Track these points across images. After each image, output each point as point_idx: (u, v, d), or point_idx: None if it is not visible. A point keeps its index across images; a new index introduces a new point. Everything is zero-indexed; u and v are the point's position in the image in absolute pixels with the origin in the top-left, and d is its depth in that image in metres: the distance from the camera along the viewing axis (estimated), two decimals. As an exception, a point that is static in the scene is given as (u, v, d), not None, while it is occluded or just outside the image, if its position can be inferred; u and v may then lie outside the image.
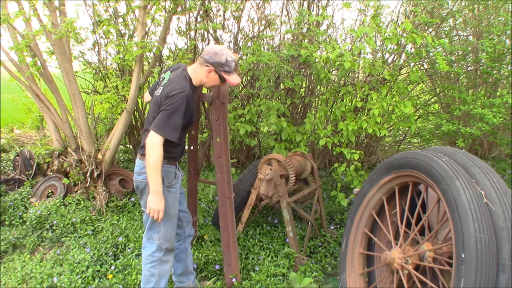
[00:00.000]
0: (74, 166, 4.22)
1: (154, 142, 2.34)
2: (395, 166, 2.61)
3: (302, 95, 4.79)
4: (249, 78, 4.83)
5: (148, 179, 2.39)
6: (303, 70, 4.47)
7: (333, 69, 4.21)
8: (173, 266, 2.92)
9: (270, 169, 3.43)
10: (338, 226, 4.15)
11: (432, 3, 4.50)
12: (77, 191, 4.20)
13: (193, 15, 4.72)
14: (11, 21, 3.76)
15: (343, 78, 4.52)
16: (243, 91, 4.91)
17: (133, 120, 5.06)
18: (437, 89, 5.30)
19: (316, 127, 4.16)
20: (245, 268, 3.23)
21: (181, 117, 2.39)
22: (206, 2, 4.52)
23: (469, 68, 5.00)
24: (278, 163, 3.51)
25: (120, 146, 5.26)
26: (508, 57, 4.29)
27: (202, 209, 4.12)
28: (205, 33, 4.88)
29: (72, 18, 3.78)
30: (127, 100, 4.09)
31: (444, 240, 2.39)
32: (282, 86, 4.43)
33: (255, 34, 5.00)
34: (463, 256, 1.95)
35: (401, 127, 4.36)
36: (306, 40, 4.18)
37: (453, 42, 4.99)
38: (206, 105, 3.15)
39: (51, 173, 4.37)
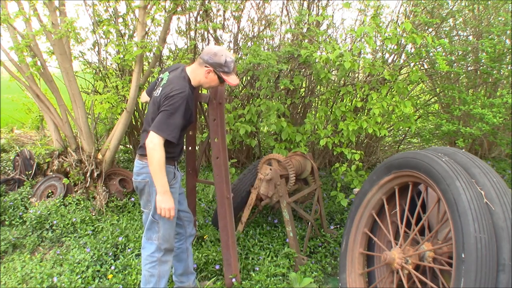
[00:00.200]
0: (74, 166, 4.22)
1: (154, 143, 2.34)
2: (395, 166, 2.61)
3: (302, 95, 4.79)
4: (249, 78, 4.83)
5: (154, 180, 2.40)
6: (303, 70, 4.47)
7: (333, 69, 4.21)
8: (174, 266, 2.93)
9: (270, 169, 3.43)
10: (338, 226, 4.15)
11: (432, 3, 4.50)
12: (77, 191, 4.20)
13: (193, 15, 4.72)
14: (11, 21, 3.76)
15: (343, 78, 4.51)
16: (243, 91, 4.91)
17: (133, 120, 5.06)
18: (437, 89, 5.30)
19: (316, 127, 4.16)
20: (245, 268, 3.23)
21: (181, 118, 2.39)
22: (206, 2, 4.52)
23: (469, 68, 5.00)
24: (278, 163, 3.51)
25: (120, 146, 5.26)
26: (508, 57, 4.29)
27: (202, 209, 4.12)
28: (205, 33, 4.88)
29: (72, 18, 3.78)
30: (127, 100, 4.09)
31: (444, 240, 2.39)
32: (282, 86, 4.43)
33: (255, 34, 5.00)
34: (463, 256, 1.95)
35: (401, 127, 4.36)
36: (306, 40, 4.18)
37: (453, 42, 4.99)
38: (205, 106, 3.15)
39: (51, 173, 4.37)
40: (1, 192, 4.27)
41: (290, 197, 3.48)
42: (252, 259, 3.36)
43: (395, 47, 4.31)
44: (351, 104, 4.15)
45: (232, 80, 2.52)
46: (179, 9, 4.05)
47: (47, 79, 4.14)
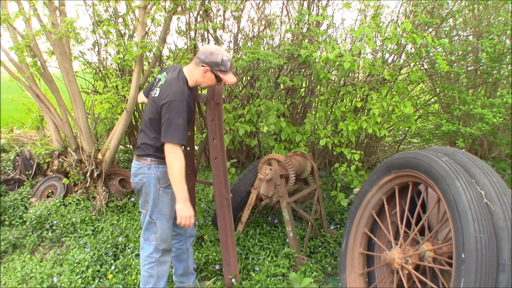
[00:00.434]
0: (74, 166, 4.22)
1: (174, 152, 2.36)
2: (395, 166, 2.61)
3: (302, 95, 4.79)
4: (249, 78, 4.83)
5: (173, 189, 2.41)
6: (303, 70, 4.47)
7: (333, 69, 4.21)
8: (174, 266, 2.93)
9: (270, 169, 3.43)
10: (338, 226, 4.14)
11: (432, 3, 4.50)
12: (77, 191, 4.20)
13: (193, 15, 4.73)
14: (11, 21, 3.76)
15: (343, 78, 4.52)
16: (243, 91, 4.91)
17: (133, 120, 5.06)
18: (437, 89, 5.29)
19: (316, 127, 4.16)
20: (245, 268, 3.23)
21: (184, 118, 2.40)
22: (206, 2, 4.52)
23: (469, 68, 5.00)
24: (278, 163, 3.51)
25: (120, 146, 5.26)
26: (508, 57, 4.29)
27: (202, 209, 4.11)
28: (205, 33, 4.88)
29: (72, 18, 3.79)
30: (127, 100, 4.09)
31: (444, 240, 2.39)
32: (282, 86, 4.43)
33: (255, 34, 5.00)
34: (463, 256, 1.95)
35: (401, 127, 4.36)
36: (306, 40, 4.18)
37: (453, 42, 4.99)
38: (204, 106, 3.14)
39: (51, 173, 4.37)
40: (1, 192, 4.27)
41: (290, 197, 3.48)
42: (252, 259, 3.36)
43: (395, 47, 4.31)
44: (351, 104, 4.15)
45: (229, 78, 2.51)
46: (179, 9, 4.06)
47: (47, 79, 4.14)
